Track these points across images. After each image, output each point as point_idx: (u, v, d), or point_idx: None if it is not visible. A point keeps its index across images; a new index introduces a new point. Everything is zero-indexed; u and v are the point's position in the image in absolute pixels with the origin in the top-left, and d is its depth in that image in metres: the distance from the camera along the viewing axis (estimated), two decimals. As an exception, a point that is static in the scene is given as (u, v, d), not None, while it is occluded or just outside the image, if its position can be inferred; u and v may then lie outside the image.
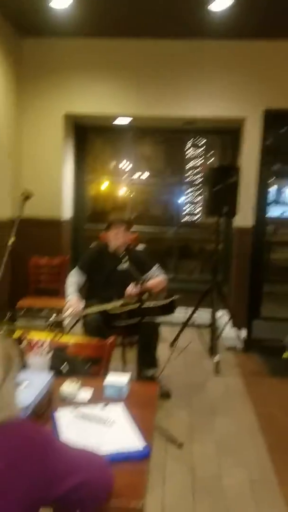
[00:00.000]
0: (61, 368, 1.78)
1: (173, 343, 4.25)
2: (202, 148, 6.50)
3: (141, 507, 1.03)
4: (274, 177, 4.72)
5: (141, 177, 5.85)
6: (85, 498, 0.98)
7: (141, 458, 1.22)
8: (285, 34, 4.03)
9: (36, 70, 4.47)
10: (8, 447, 0.89)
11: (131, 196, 5.46)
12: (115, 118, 4.68)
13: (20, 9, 3.77)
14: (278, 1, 3.41)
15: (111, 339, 1.98)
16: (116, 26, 4.08)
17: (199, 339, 4.21)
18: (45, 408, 1.42)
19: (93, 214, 6.10)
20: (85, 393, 1.59)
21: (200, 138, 5.91)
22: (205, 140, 6.13)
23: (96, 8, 3.71)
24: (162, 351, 3.58)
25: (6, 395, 0.95)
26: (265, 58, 4.22)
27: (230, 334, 4.32)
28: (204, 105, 4.34)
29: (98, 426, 1.35)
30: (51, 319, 2.98)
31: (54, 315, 3.13)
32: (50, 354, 1.71)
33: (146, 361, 3.19)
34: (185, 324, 4.28)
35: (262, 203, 4.53)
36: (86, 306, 3.25)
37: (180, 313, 4.23)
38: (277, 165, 4.48)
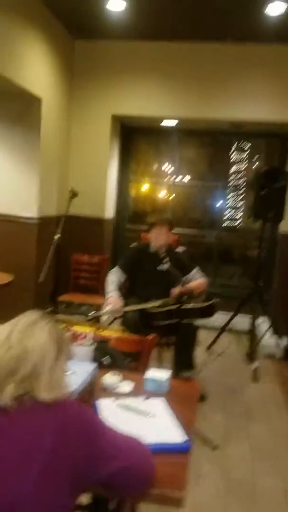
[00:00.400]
0: (103, 360, 1.82)
1: (210, 347, 4.22)
2: (247, 152, 6.42)
3: (182, 498, 1.04)
4: None
5: (183, 180, 5.86)
6: (126, 483, 1.01)
7: (182, 451, 1.23)
8: None
9: (87, 71, 4.59)
10: (59, 423, 0.93)
11: (173, 198, 5.47)
12: (161, 120, 4.72)
13: (73, 10, 3.88)
14: None
15: (152, 335, 2.00)
16: (169, 29, 4.12)
17: (237, 345, 4.16)
18: (88, 396, 1.46)
19: (134, 214, 6.16)
20: (127, 386, 1.62)
21: (245, 142, 5.83)
22: (249, 144, 6.04)
23: (150, 11, 3.76)
24: (199, 354, 3.57)
25: (58, 375, 0.99)
26: None
27: (270, 341, 4.24)
28: (253, 108, 4.30)
29: (140, 417, 1.38)
30: (90, 314, 3.05)
31: (94, 311, 3.20)
32: (93, 346, 1.75)
33: (183, 363, 3.19)
34: (223, 329, 4.24)
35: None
36: (125, 304, 3.30)
37: (219, 318, 4.20)
38: None
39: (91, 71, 4.58)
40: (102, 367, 1.76)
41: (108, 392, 1.58)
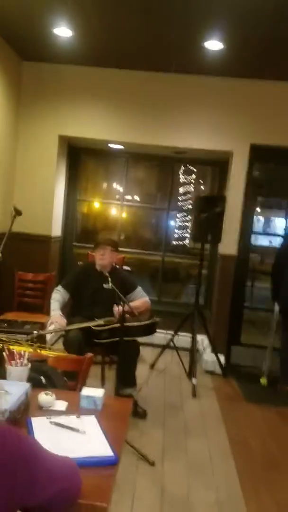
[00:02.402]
0: (40, 379, 1.85)
1: (153, 364, 4.32)
2: (193, 176, 6.71)
3: (105, 509, 1.11)
4: (258, 209, 4.91)
5: (132, 200, 6.01)
6: (60, 504, 1.07)
7: (109, 464, 1.30)
8: (271, 75, 4.29)
9: (35, 92, 4.65)
10: None
11: (122, 218, 5.60)
12: (107, 143, 4.86)
13: (21, 33, 3.95)
14: (266, 46, 3.65)
15: (89, 354, 2.06)
16: (114, 57, 4.30)
17: (179, 362, 4.28)
18: (21, 414, 1.49)
19: (83, 233, 6.22)
20: (61, 404, 1.67)
21: (191, 167, 6.11)
22: (195, 169, 6.33)
23: (96, 39, 3.92)
24: (142, 371, 3.65)
25: None
26: (253, 96, 4.46)
27: (210, 358, 4.41)
28: (194, 137, 4.55)
29: (70, 434, 1.43)
30: (33, 333, 3.05)
31: (35, 331, 3.19)
32: (29, 366, 1.78)
33: (125, 380, 3.25)
34: (165, 346, 4.36)
35: (246, 232, 4.71)
36: (69, 323, 3.33)
37: (162, 335, 4.32)
38: (261, 198, 4.67)
39: (39, 92, 4.65)
40: (39, 387, 1.80)
41: (43, 410, 1.62)
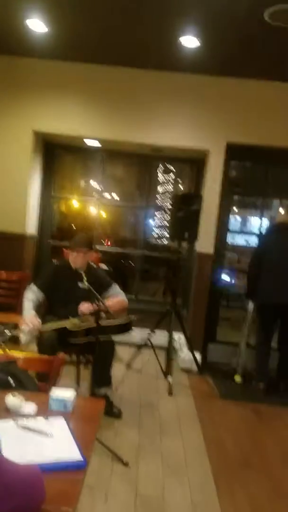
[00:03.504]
0: (7, 380, 1.80)
1: (129, 363, 4.29)
2: (172, 175, 6.71)
3: (70, 513, 1.07)
4: (234, 207, 4.94)
5: (110, 198, 5.96)
6: None
7: (77, 468, 1.25)
8: (247, 74, 4.31)
9: (8, 87, 4.55)
10: None
11: (99, 215, 5.54)
12: (82, 139, 4.79)
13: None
14: (241, 44, 3.66)
15: (60, 355, 2.01)
16: (89, 52, 4.25)
17: (155, 360, 4.26)
18: (-14, 419, 1.44)
19: (59, 230, 6.13)
20: (30, 406, 1.61)
21: (169, 165, 6.11)
22: (173, 167, 6.33)
23: (72, 34, 3.85)
24: (118, 371, 3.61)
25: None
26: (229, 94, 4.48)
27: (186, 356, 4.41)
28: (170, 134, 4.53)
29: (38, 437, 1.38)
30: (6, 333, 2.97)
31: (7, 331, 3.11)
32: (-3, 367, 1.73)
33: (100, 380, 3.21)
34: (141, 345, 4.33)
35: (222, 231, 4.73)
36: (43, 322, 3.26)
37: (138, 334, 4.29)
38: (237, 196, 4.70)
39: (12, 86, 4.55)
40: (8, 388, 1.74)
41: (10, 413, 1.56)
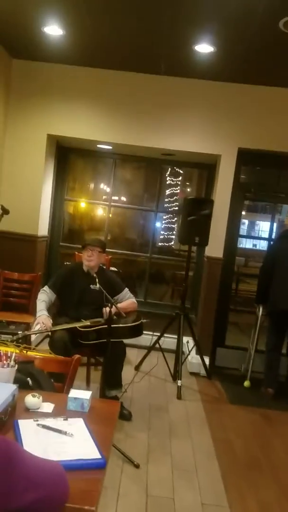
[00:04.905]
0: (26, 381, 1.84)
1: (138, 366, 4.32)
2: (180, 178, 6.74)
3: (94, 511, 1.11)
4: (245, 212, 4.96)
5: (119, 200, 6.00)
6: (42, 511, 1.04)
7: (97, 467, 1.29)
8: (260, 80, 4.34)
9: (24, 90, 4.61)
10: None
11: (109, 218, 5.59)
12: (96, 143, 4.84)
13: (12, 31, 3.92)
14: (254, 51, 3.69)
15: (76, 356, 2.05)
16: (103, 58, 4.29)
17: (164, 364, 4.29)
18: (8, 417, 1.48)
19: (70, 233, 6.19)
20: (48, 406, 1.66)
21: (178, 169, 6.13)
22: (182, 171, 6.36)
23: (87, 40, 3.91)
24: (127, 373, 3.65)
25: None
26: (242, 101, 4.51)
27: (195, 360, 4.43)
28: (182, 139, 4.57)
29: (58, 437, 1.42)
30: (19, 333, 3.02)
31: (20, 332, 3.17)
32: (15, 367, 1.77)
33: (110, 381, 3.25)
34: (151, 348, 4.36)
35: (232, 235, 4.75)
36: (55, 324, 3.31)
37: (148, 337, 4.33)
38: (248, 201, 4.71)
39: (29, 90, 4.61)
40: (26, 388, 1.78)
41: (30, 413, 1.60)
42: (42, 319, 3.25)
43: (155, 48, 3.91)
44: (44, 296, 3.45)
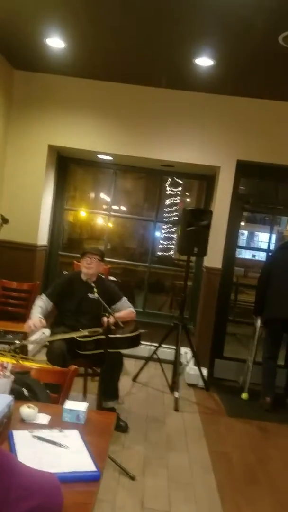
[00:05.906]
0: (22, 392, 1.83)
1: (135, 377, 4.30)
2: (180, 188, 6.78)
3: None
4: (243, 223, 4.99)
5: (119, 210, 6.03)
6: None
7: (91, 480, 1.29)
8: (259, 93, 4.39)
9: (26, 101, 4.66)
10: None
11: (108, 227, 5.61)
12: (96, 154, 4.88)
13: (13, 42, 3.97)
14: (254, 64, 3.74)
15: (73, 367, 2.04)
16: (105, 70, 4.35)
17: (162, 375, 4.27)
18: (3, 428, 1.47)
19: (69, 242, 6.21)
20: (44, 417, 1.65)
21: (177, 180, 6.17)
22: (182, 182, 6.40)
23: (89, 52, 3.96)
24: (124, 384, 3.63)
25: None
26: (241, 113, 4.55)
27: (192, 371, 4.41)
28: (182, 151, 4.61)
29: (53, 448, 1.42)
30: (16, 343, 3.01)
31: (18, 341, 3.16)
32: (12, 378, 1.76)
33: (108, 392, 3.23)
34: (149, 359, 4.35)
35: (231, 246, 4.76)
36: (52, 333, 3.30)
37: (145, 347, 4.32)
38: (247, 212, 4.74)
39: (30, 101, 4.66)
40: (22, 399, 1.78)
41: (25, 424, 1.60)
42: (33, 320, 3.23)
43: (156, 61, 3.96)
44: (41, 303, 3.44)
